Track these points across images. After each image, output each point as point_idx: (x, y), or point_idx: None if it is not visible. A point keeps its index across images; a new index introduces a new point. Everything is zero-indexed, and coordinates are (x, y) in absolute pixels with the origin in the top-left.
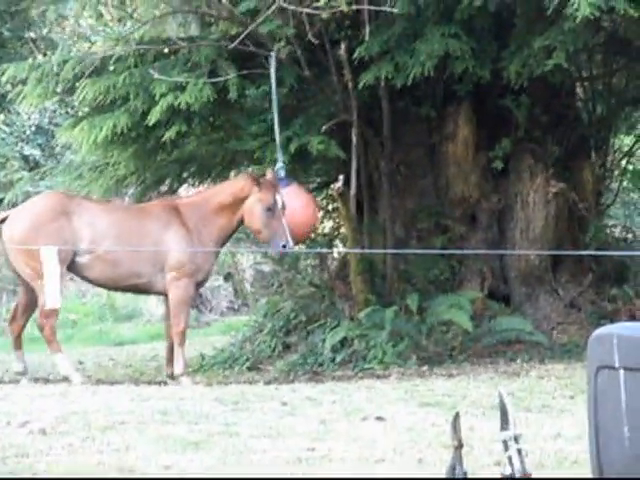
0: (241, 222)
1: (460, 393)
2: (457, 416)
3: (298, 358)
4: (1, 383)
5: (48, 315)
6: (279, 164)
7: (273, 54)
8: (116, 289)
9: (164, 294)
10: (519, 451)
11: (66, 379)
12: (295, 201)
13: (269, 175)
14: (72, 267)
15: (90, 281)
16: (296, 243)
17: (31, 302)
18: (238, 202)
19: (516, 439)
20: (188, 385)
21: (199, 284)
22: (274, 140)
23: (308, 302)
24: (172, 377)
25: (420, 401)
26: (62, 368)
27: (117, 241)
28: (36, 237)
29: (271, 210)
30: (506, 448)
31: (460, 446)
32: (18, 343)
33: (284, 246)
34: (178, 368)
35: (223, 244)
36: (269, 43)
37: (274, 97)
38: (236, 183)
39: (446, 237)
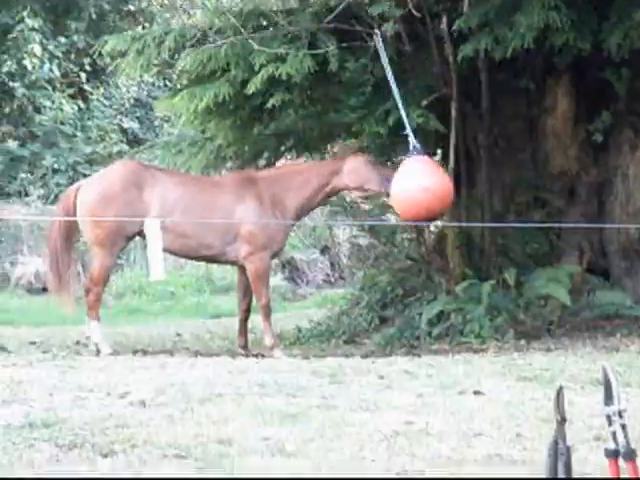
0: (327, 196)
1: (558, 367)
2: (560, 390)
3: (395, 332)
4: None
5: (96, 282)
6: (411, 136)
7: (378, 32)
8: (188, 258)
9: (236, 264)
10: (623, 427)
11: (97, 348)
12: (431, 175)
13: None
14: (143, 235)
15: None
16: (430, 219)
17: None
18: (330, 175)
19: (620, 414)
20: (281, 356)
21: (274, 255)
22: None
23: (405, 275)
24: (244, 348)
25: (518, 375)
26: (94, 335)
27: (186, 214)
28: (106, 206)
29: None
30: (610, 423)
31: (563, 421)
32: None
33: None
34: (268, 341)
35: (300, 218)
36: (370, 20)
37: (389, 75)
38: (324, 162)
39: (545, 211)
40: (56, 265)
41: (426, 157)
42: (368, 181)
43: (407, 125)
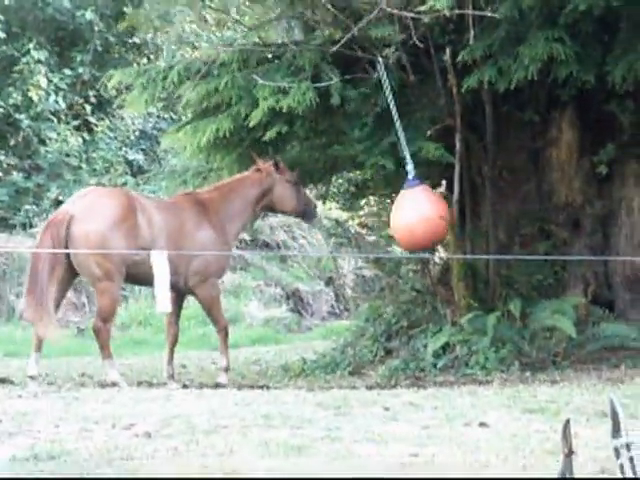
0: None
1: (563, 399)
2: (567, 423)
3: (400, 363)
4: (107, 387)
5: (108, 319)
6: (409, 165)
7: (381, 60)
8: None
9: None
10: (631, 459)
11: (114, 384)
12: (425, 202)
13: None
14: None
15: (138, 280)
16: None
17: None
18: (265, 192)
19: (628, 447)
20: (226, 382)
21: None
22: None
23: (410, 307)
24: (172, 377)
25: (523, 407)
26: (110, 374)
27: (169, 240)
28: (114, 236)
29: (297, 185)
30: (617, 456)
31: (570, 453)
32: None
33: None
34: (224, 362)
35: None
36: (373, 48)
37: (391, 103)
38: (255, 175)
39: (549, 242)
40: (40, 297)
41: (423, 187)
42: (295, 210)
43: (407, 155)
